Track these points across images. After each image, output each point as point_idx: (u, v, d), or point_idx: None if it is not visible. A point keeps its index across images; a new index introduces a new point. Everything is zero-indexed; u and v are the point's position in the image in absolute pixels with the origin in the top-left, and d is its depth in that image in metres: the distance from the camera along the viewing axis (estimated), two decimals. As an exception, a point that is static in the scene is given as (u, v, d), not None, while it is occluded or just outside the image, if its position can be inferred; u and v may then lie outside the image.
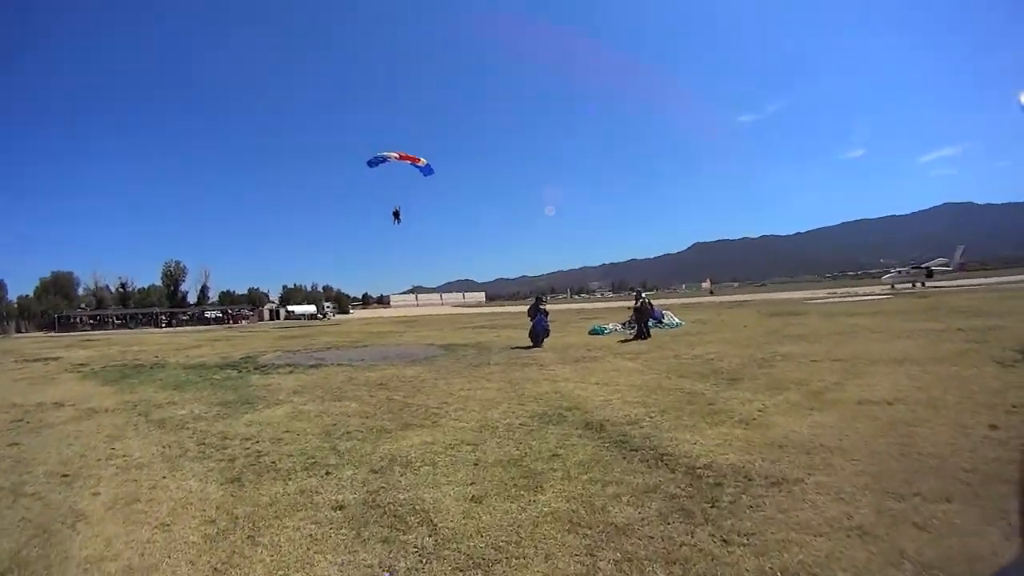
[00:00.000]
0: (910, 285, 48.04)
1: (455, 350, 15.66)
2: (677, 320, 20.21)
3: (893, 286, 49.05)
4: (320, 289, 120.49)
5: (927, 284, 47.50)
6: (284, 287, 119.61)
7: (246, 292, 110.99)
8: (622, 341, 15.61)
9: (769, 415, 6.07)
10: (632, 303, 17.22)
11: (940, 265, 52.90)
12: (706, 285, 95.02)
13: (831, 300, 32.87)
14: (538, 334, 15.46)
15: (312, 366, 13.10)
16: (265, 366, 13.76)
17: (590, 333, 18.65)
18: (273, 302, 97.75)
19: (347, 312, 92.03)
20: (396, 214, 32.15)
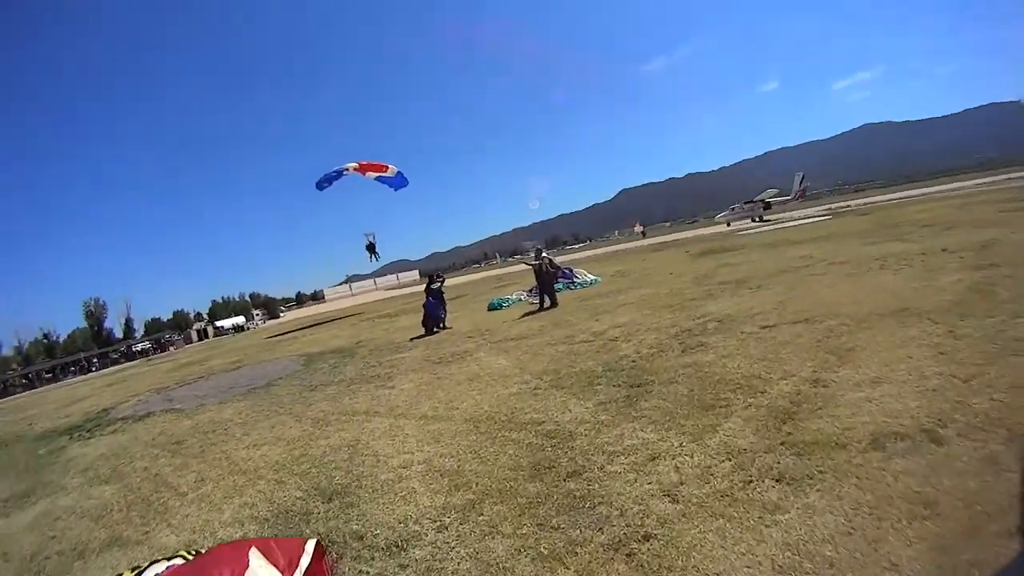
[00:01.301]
0: (749, 220, 44.95)
1: (317, 361, 12.00)
2: (591, 277, 16.49)
3: (728, 224, 45.77)
4: (247, 298, 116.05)
5: (764, 217, 44.03)
6: (213, 302, 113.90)
7: (171, 316, 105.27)
8: (523, 315, 11.81)
9: (690, 516, 2.60)
10: (533, 263, 13.08)
11: (775, 197, 49.81)
12: (637, 228, 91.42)
13: (766, 228, 30.26)
14: (427, 320, 12.71)
15: (142, 417, 10.02)
16: (100, 425, 10.44)
17: (489, 309, 14.73)
18: (203, 319, 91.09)
19: (277, 316, 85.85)
20: (371, 248, 25.97)
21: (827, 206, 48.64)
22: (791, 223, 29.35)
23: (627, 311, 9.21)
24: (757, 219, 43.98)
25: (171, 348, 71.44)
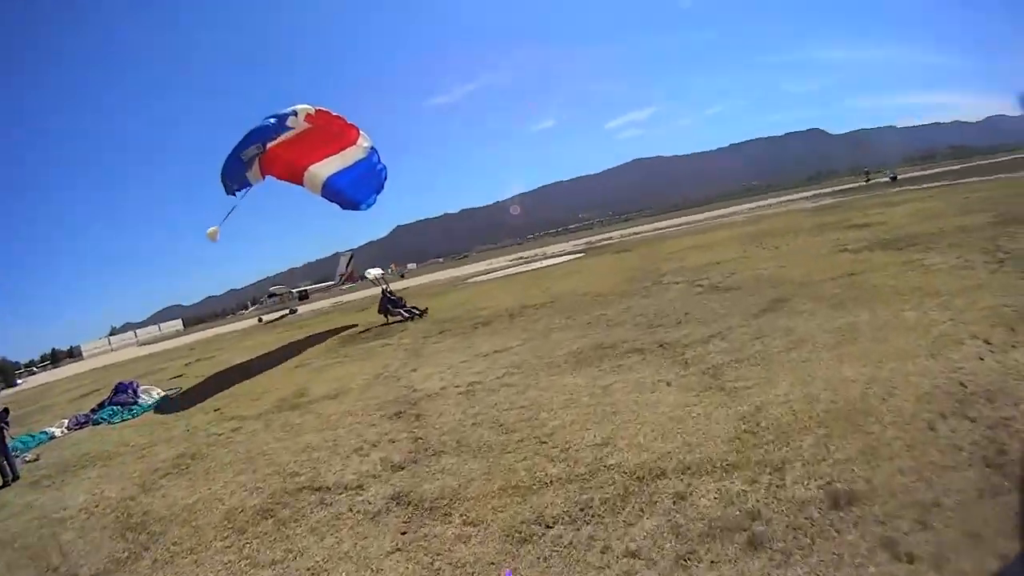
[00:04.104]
0: (286, 312, 36.12)
1: None
2: (156, 393, 12.27)
3: (260, 319, 35.97)
4: None
5: (296, 310, 36.26)
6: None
7: None
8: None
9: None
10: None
11: (310, 285, 45.15)
12: (386, 271, 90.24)
13: (534, 265, 31.52)
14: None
15: None
16: None
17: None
18: None
19: (13, 385, 63.06)
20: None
21: (586, 240, 52.44)
22: (539, 262, 30.78)
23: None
24: (294, 310, 36.24)
25: None
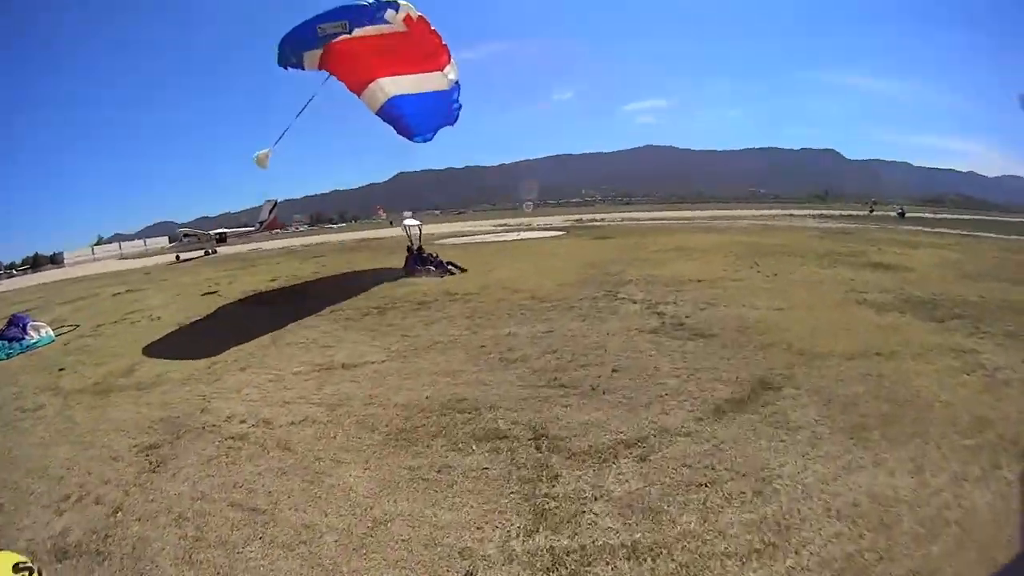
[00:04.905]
0: (202, 253, 34.88)
1: None
2: (44, 332, 9.92)
3: (178, 258, 33.76)
4: None
5: (216, 251, 35.44)
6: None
7: None
8: None
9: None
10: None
11: (235, 228, 42.81)
12: (381, 214, 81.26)
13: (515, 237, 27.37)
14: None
15: None
16: None
17: None
18: None
19: None
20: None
21: (577, 218, 46.97)
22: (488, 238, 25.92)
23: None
24: (211, 252, 35.27)
25: None
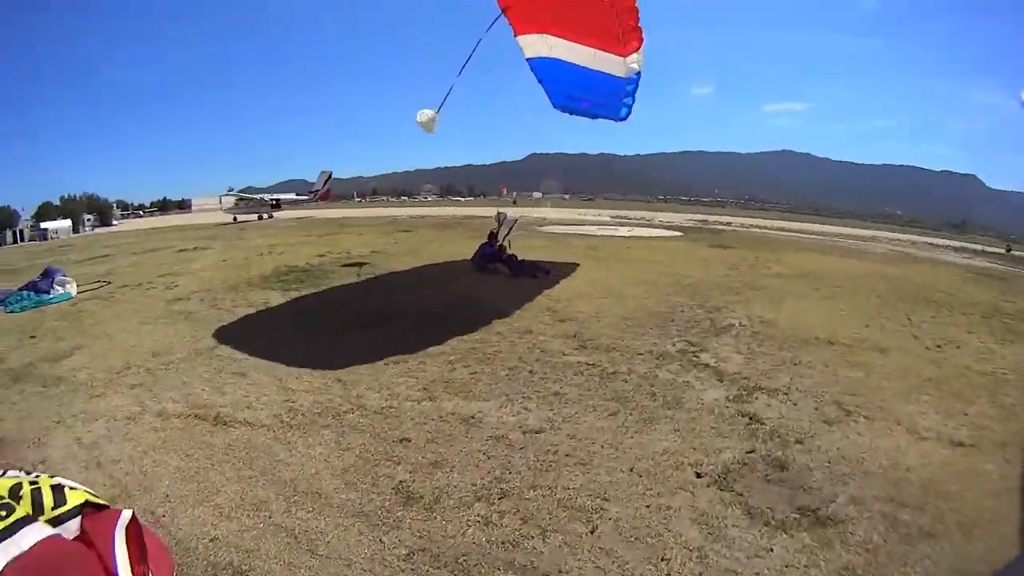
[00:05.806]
0: (255, 216, 39.96)
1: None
2: (71, 288, 10.42)
3: (235, 218, 39.76)
4: (78, 198, 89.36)
5: (273, 215, 40.64)
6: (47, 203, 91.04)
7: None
8: None
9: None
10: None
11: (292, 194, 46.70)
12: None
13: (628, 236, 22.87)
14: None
15: None
16: None
17: None
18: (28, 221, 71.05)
19: (108, 224, 63.87)
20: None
21: (703, 218, 42.01)
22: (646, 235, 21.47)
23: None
24: (266, 216, 40.16)
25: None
